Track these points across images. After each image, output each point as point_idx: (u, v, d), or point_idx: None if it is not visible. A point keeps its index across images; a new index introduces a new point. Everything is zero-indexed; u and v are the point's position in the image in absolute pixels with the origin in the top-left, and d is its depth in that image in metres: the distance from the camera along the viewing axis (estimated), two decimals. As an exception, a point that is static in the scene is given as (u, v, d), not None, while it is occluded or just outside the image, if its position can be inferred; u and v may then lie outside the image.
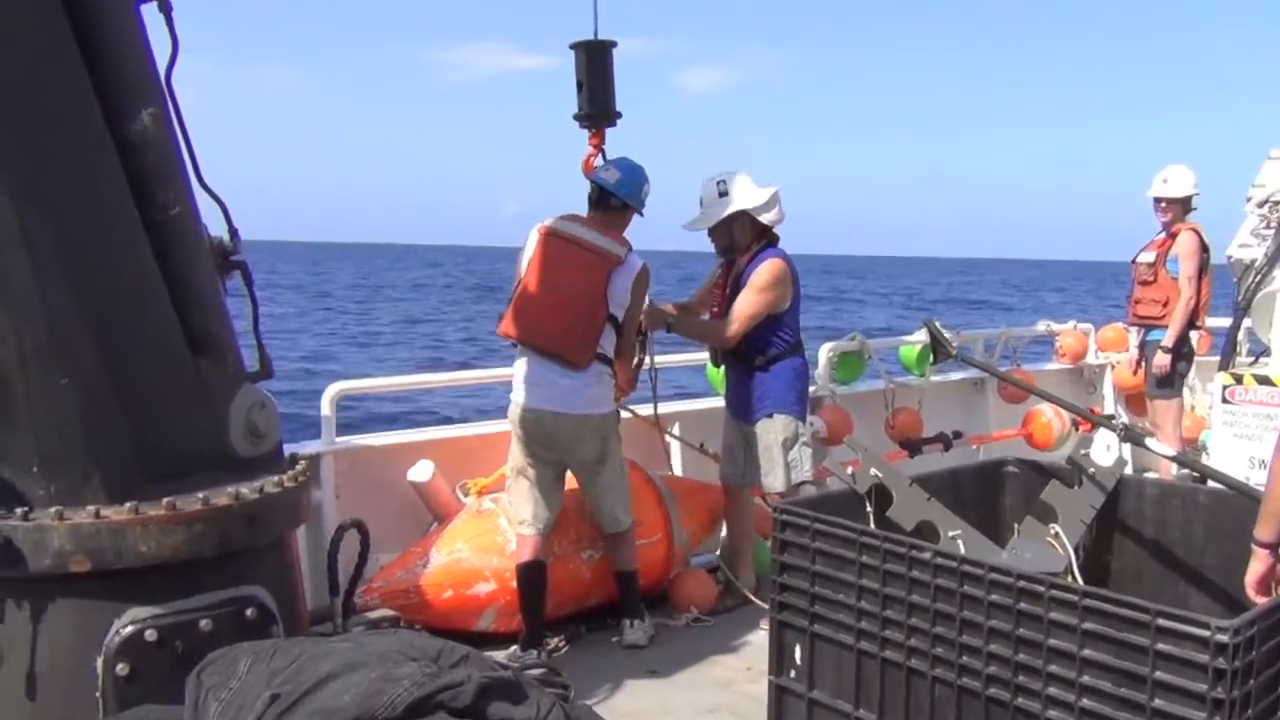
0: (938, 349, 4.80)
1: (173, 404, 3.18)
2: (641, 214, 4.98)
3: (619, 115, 4.98)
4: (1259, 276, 7.08)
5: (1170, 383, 7.09)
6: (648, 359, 5.44)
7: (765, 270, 5.13)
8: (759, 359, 5.23)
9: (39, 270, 2.90)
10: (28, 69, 2.97)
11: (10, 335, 2.89)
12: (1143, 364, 7.37)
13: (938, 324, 4.84)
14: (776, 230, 5.25)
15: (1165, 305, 7.08)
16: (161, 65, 3.31)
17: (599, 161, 5.09)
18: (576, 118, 5.02)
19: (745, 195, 5.14)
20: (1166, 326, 7.05)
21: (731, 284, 5.21)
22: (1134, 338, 8.13)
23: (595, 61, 4.79)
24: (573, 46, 4.91)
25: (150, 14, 3.31)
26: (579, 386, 4.71)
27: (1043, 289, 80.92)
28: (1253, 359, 8.00)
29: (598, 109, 4.87)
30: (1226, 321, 7.49)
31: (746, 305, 5.11)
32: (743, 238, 5.19)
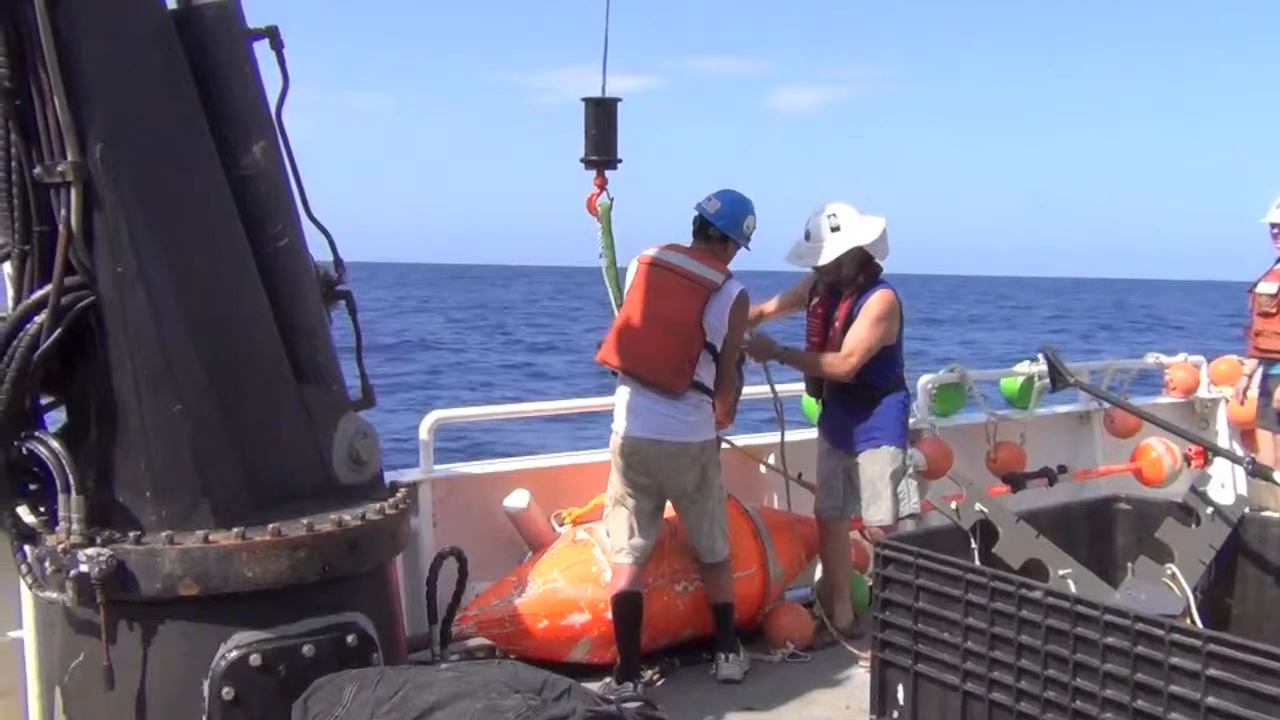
0: (1056, 378, 4.67)
1: (279, 431, 3.24)
2: (747, 248, 4.97)
3: (620, 161, 5.34)
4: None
5: None
6: (769, 388, 5.50)
7: (879, 302, 5.06)
8: (874, 392, 5.15)
9: (155, 301, 2.99)
10: (148, 107, 3.08)
11: (127, 364, 2.98)
12: (1257, 397, 7.07)
13: (1056, 352, 4.71)
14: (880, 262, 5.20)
15: None
16: (272, 99, 3.40)
17: (602, 200, 5.31)
18: (583, 161, 5.33)
19: (858, 230, 5.09)
20: None
21: (843, 317, 5.14)
22: (1246, 367, 7.83)
23: (601, 115, 5.28)
24: (583, 100, 5.30)
25: (262, 49, 3.40)
26: (677, 414, 4.69)
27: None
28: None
29: (601, 155, 5.31)
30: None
31: (863, 337, 5.05)
32: (851, 271, 5.14)
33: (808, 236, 5.16)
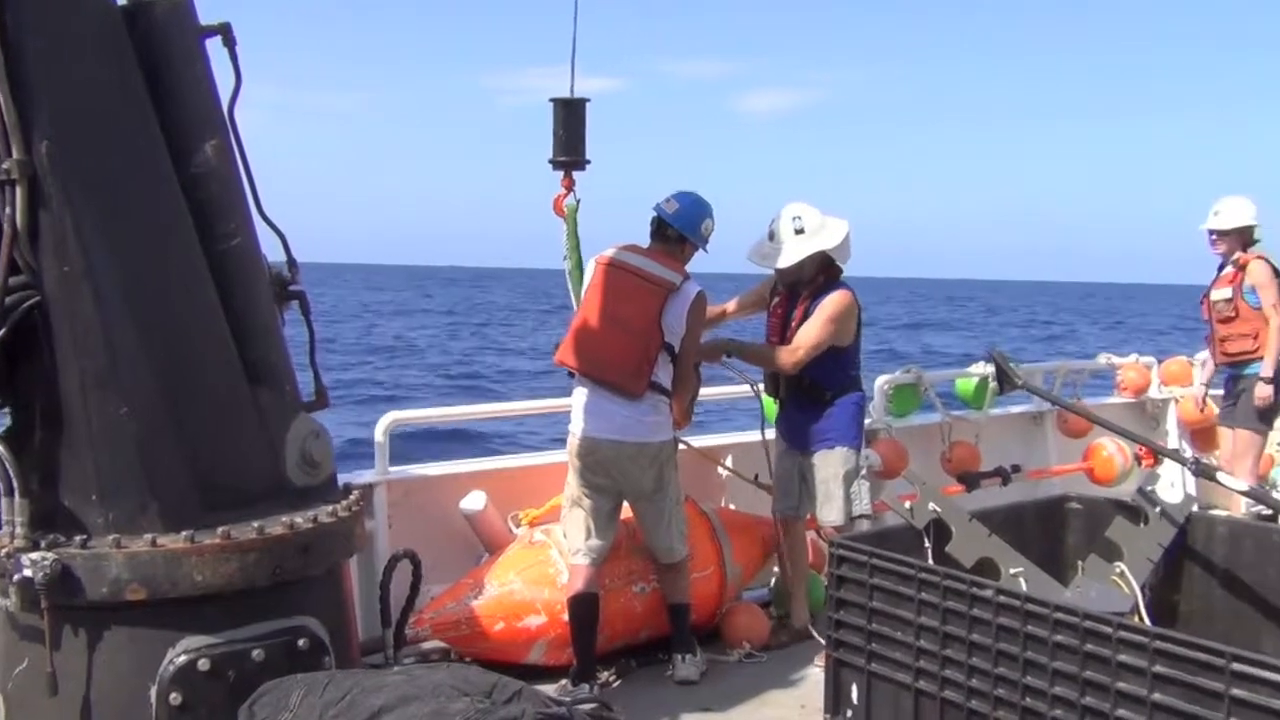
0: (1004, 379, 4.72)
1: (230, 433, 3.21)
2: (705, 250, 4.98)
3: (588, 162, 5.35)
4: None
5: (1269, 416, 6.87)
6: (750, 386, 5.57)
7: (835, 302, 5.09)
8: (826, 393, 5.17)
9: (102, 301, 2.95)
10: (96, 104, 3.03)
11: (73, 364, 2.94)
12: (1228, 398, 7.15)
13: (1003, 354, 4.75)
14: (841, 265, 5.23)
15: (1256, 338, 6.85)
16: (224, 97, 3.36)
17: (569, 200, 5.33)
18: (551, 162, 5.34)
19: (822, 235, 5.10)
20: (1261, 358, 6.81)
21: (799, 317, 5.16)
22: (1199, 373, 7.97)
23: (569, 116, 5.29)
24: (551, 101, 5.30)
25: (214, 47, 3.36)
26: (635, 415, 4.69)
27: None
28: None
29: (569, 157, 5.32)
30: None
31: (813, 334, 5.07)
32: (811, 274, 5.16)
33: (771, 237, 5.18)
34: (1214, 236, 7.02)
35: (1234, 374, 7.08)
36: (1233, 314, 6.94)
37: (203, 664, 2.85)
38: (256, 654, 2.90)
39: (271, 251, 3.54)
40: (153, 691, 2.85)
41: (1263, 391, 6.77)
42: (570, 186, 5.39)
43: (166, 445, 3.01)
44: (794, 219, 5.11)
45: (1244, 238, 6.97)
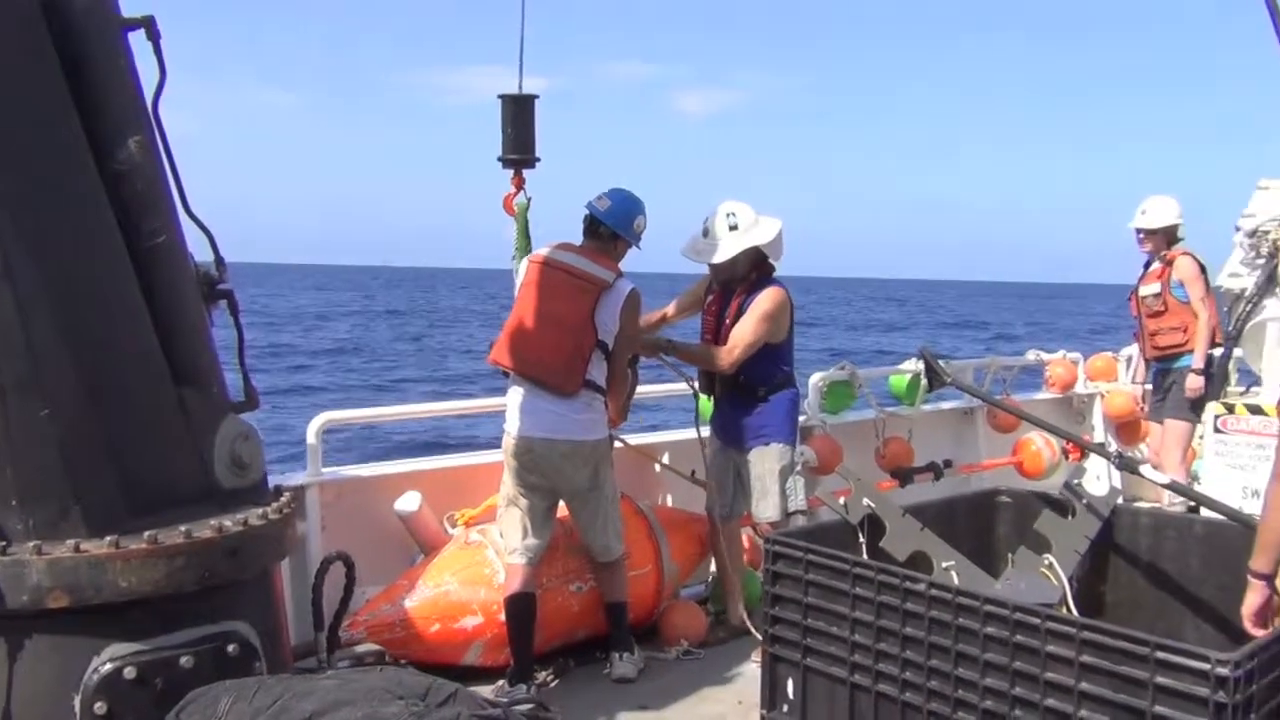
0: (933, 377, 4.78)
1: (156, 435, 3.13)
2: (638, 246, 4.98)
3: (538, 159, 5.28)
4: (1249, 306, 7.06)
5: (1199, 406, 7.01)
6: (688, 383, 5.55)
7: (768, 299, 5.13)
8: (759, 389, 5.21)
9: (22, 301, 2.86)
10: (12, 98, 2.94)
11: (-10, 366, 2.84)
12: (1157, 392, 7.31)
13: (932, 351, 4.82)
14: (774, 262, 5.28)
15: (1185, 331, 7.05)
16: (148, 92, 3.28)
17: (519, 199, 5.28)
18: (500, 160, 5.27)
19: (755, 231, 5.15)
20: (1191, 351, 7.01)
21: (733, 314, 5.19)
22: (1124, 370, 8.14)
23: (519, 113, 5.21)
24: (500, 98, 5.22)
25: (137, 40, 3.28)
26: (570, 413, 4.68)
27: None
28: (1244, 389, 8.00)
29: (519, 154, 5.24)
30: (1216, 350, 7.45)
31: (748, 332, 5.10)
32: (744, 270, 5.19)
33: (705, 234, 5.21)
34: (1141, 235, 7.21)
35: (1163, 368, 7.24)
36: (1162, 308, 7.12)
37: (129, 672, 2.78)
38: (185, 660, 2.83)
39: (200, 251, 3.47)
40: (76, 701, 2.77)
41: (1193, 382, 6.95)
42: (520, 185, 5.32)
43: (90, 448, 2.93)
44: (728, 215, 5.15)
45: (1169, 236, 7.17)
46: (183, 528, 2.92)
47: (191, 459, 3.19)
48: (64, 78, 3.05)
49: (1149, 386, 7.61)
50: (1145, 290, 7.23)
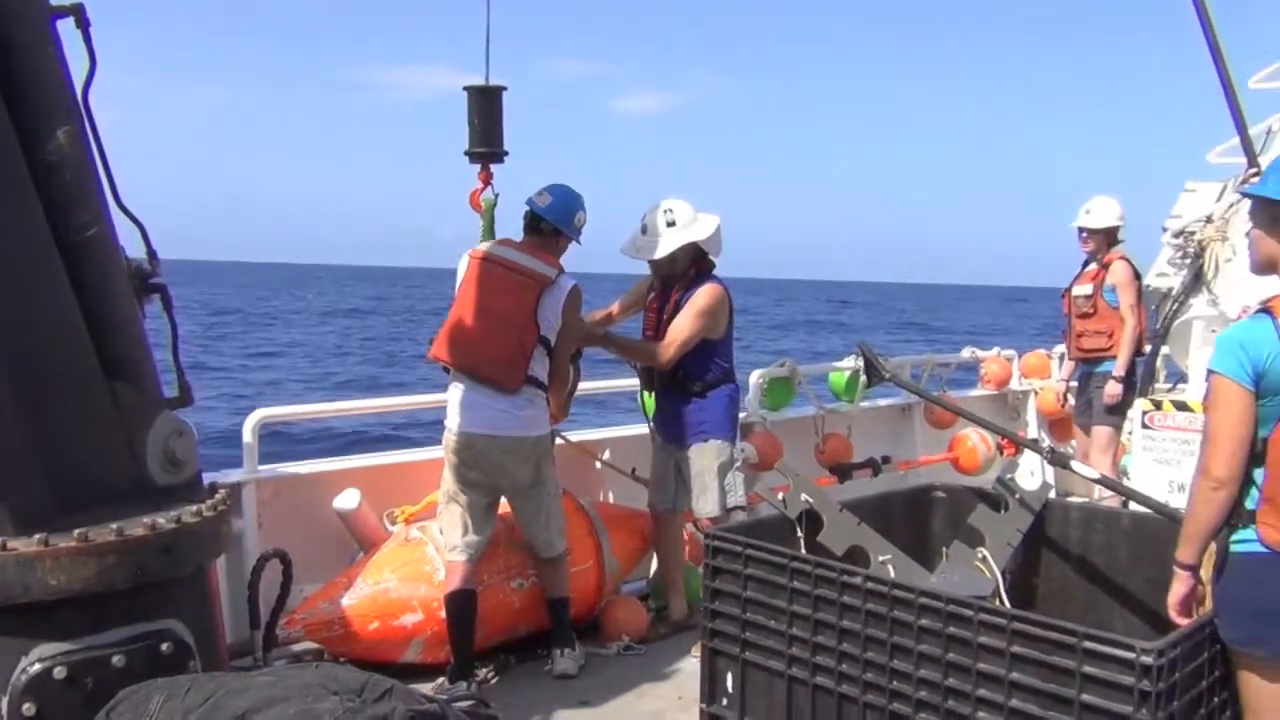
0: (871, 373, 4.84)
1: (87, 431, 3.07)
2: (578, 241, 4.98)
3: (506, 154, 5.21)
4: (1176, 305, 7.25)
5: (1121, 410, 7.09)
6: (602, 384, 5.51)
7: (705, 294, 5.16)
8: (696, 385, 5.24)
9: None
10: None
11: (-87, 360, 2.78)
12: (1082, 395, 7.38)
13: (871, 348, 4.87)
14: (713, 259, 5.31)
15: (1111, 336, 7.06)
16: (79, 82, 3.22)
17: (487, 194, 5.22)
18: (467, 154, 5.20)
19: (694, 227, 5.18)
20: (1114, 357, 7.03)
21: (671, 310, 5.21)
22: (1057, 367, 8.25)
23: (486, 105, 5.09)
24: (466, 89, 5.13)
25: (67, 29, 3.22)
26: (512, 409, 4.67)
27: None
28: (1171, 386, 8.20)
29: (487, 147, 5.13)
30: (1145, 348, 7.62)
31: (684, 328, 5.13)
32: (683, 266, 5.22)
33: (644, 231, 5.22)
34: (1084, 234, 7.21)
35: (1087, 370, 7.30)
36: (1091, 310, 7.14)
37: (59, 672, 2.73)
38: (117, 660, 2.79)
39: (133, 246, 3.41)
40: (4, 702, 2.71)
41: (1113, 390, 6.99)
42: (488, 180, 5.23)
43: (18, 444, 2.87)
44: (666, 212, 5.18)
45: (1110, 236, 7.18)
46: (115, 525, 2.87)
47: (124, 455, 3.14)
48: (-10, 66, 2.98)
49: (1073, 384, 7.69)
50: (1078, 290, 7.26)
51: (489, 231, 5.26)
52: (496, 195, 5.27)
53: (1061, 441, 8.50)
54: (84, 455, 3.05)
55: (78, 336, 3.07)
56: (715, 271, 5.33)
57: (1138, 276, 7.13)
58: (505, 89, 5.16)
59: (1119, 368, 7.00)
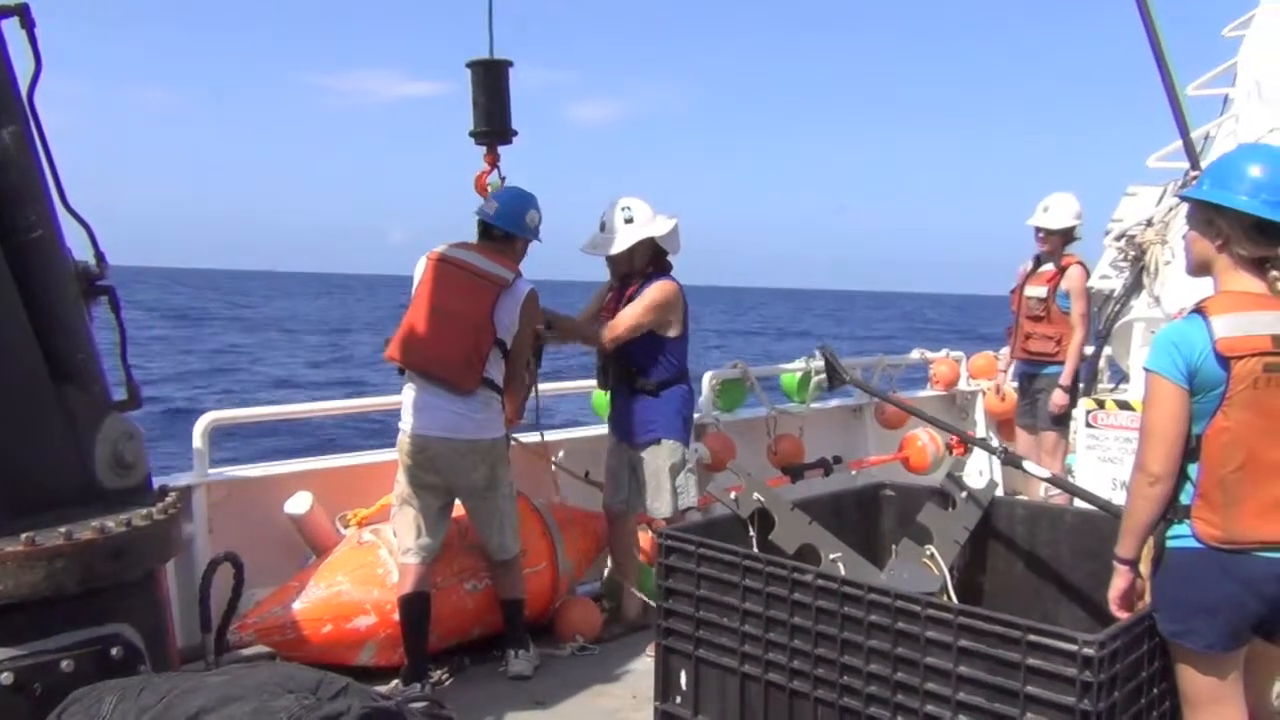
0: (832, 375, 4.90)
1: (34, 434, 3.04)
2: (538, 239, 4.97)
3: (514, 133, 4.97)
4: (1118, 307, 7.35)
5: (1065, 419, 7.10)
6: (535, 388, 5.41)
7: (657, 289, 5.19)
8: (647, 383, 5.26)
9: None
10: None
11: None
12: (1025, 397, 7.37)
13: (832, 350, 4.93)
14: (671, 259, 5.33)
15: (1059, 342, 7.02)
16: (24, 82, 3.18)
17: (493, 178, 5.10)
18: (472, 135, 5.00)
19: (651, 224, 5.20)
20: (1060, 362, 7.01)
21: (626, 300, 5.23)
22: (1001, 363, 8.28)
23: (491, 80, 4.79)
24: (469, 65, 4.91)
25: (11, 29, 3.18)
26: (467, 411, 4.67)
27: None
28: (1113, 385, 8.36)
29: (493, 126, 4.86)
30: (1088, 349, 7.74)
31: (630, 315, 5.15)
32: (641, 264, 5.25)
33: (602, 228, 5.24)
34: (1041, 234, 7.08)
35: (1030, 372, 7.26)
36: (1043, 313, 7.05)
37: (5, 677, 2.70)
38: (65, 665, 2.76)
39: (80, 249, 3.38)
40: (-51, 708, 2.69)
41: (1059, 399, 6.97)
42: (494, 162, 5.00)
43: (-37, 448, 2.84)
44: (624, 209, 5.20)
45: (1066, 237, 7.08)
46: (63, 529, 2.84)
47: (72, 458, 3.11)
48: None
49: (1013, 383, 7.67)
50: (1031, 291, 7.16)
51: None
52: (503, 179, 5.07)
53: (1009, 440, 8.62)
54: (31, 458, 3.02)
55: (24, 338, 3.04)
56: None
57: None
58: (511, 64, 4.84)
59: (1065, 376, 6.96)
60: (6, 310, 3.02)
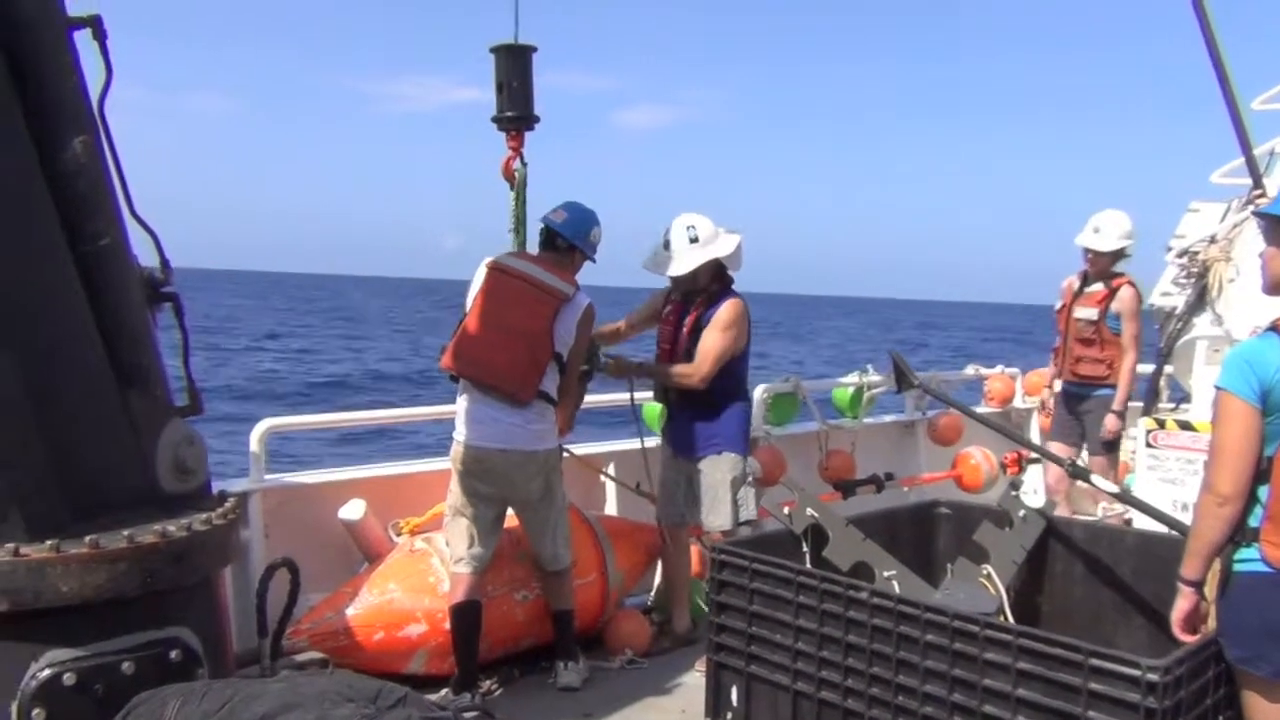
0: (900, 378, 4.87)
1: (98, 438, 3.10)
2: (593, 259, 4.99)
3: (537, 119, 4.96)
4: (1180, 324, 7.19)
5: (1115, 443, 6.91)
6: (610, 398, 5.52)
7: (728, 310, 5.16)
8: (710, 398, 5.23)
9: None
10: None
11: (-71, 367, 2.80)
12: (1069, 415, 7.12)
13: (902, 356, 4.89)
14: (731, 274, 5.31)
15: (1110, 365, 6.80)
16: (94, 92, 3.25)
17: (517, 164, 5.10)
18: (495, 120, 4.99)
19: (716, 244, 5.17)
20: (1111, 385, 6.80)
21: (691, 324, 5.21)
22: (1047, 382, 7.96)
23: (515, 65, 4.78)
24: (493, 50, 4.90)
25: (84, 41, 3.25)
26: (523, 423, 4.67)
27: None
28: (1174, 405, 8.18)
29: (518, 111, 4.84)
30: (1148, 368, 7.60)
31: (713, 345, 5.13)
32: (705, 282, 5.22)
33: (666, 246, 5.21)
34: (1089, 255, 6.83)
35: (1079, 394, 6.98)
36: (1093, 336, 6.83)
37: (68, 678, 2.75)
38: (126, 666, 2.80)
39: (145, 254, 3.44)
40: (13, 708, 2.73)
41: (1112, 424, 6.74)
42: (518, 148, 4.98)
43: (32, 451, 2.89)
44: (688, 228, 5.17)
45: (1117, 255, 6.84)
46: (125, 532, 2.89)
47: (135, 463, 3.17)
48: (8, 76, 3.02)
49: (1051, 401, 7.39)
50: (1081, 313, 6.92)
51: (521, 205, 5.05)
52: (525, 165, 5.03)
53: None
54: (96, 463, 3.08)
55: (91, 345, 3.10)
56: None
57: (1140, 302, 6.84)
58: (535, 49, 4.84)
59: (1119, 401, 6.75)
60: (76, 317, 3.08)
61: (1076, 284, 7.02)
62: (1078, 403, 7.03)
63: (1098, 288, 6.88)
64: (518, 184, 5.09)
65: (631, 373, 5.33)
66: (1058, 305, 7.18)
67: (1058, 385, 7.39)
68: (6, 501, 2.84)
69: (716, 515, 5.25)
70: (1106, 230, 6.82)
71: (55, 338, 3.04)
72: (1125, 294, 6.78)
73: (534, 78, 4.84)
